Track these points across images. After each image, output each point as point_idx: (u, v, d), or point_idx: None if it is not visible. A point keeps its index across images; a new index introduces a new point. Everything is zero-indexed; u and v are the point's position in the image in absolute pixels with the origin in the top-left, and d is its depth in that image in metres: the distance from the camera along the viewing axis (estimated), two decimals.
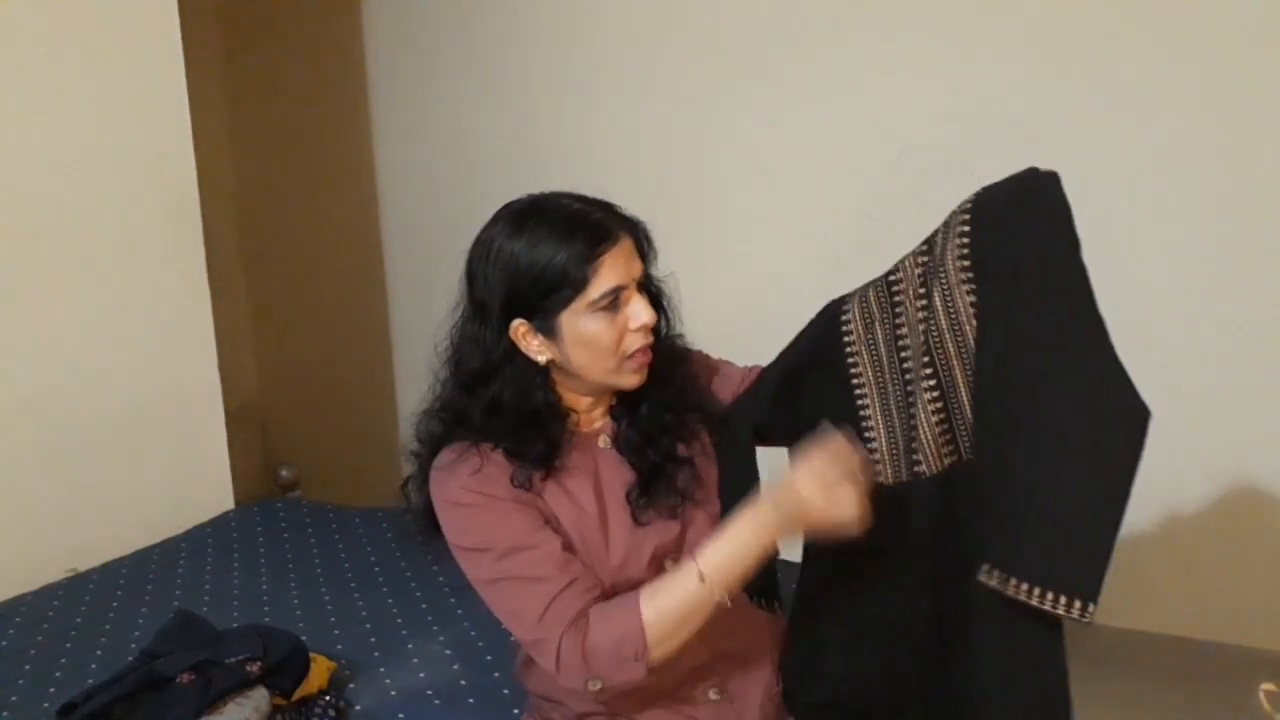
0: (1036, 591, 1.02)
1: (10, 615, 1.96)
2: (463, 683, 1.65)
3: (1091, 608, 0.99)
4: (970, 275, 1.13)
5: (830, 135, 2.48)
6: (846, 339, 1.23)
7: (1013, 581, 1.03)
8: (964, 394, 1.15)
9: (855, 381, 1.22)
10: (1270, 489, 2.17)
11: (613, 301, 1.15)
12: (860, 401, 1.22)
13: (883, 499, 1.12)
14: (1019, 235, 1.10)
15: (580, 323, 1.15)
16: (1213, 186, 2.12)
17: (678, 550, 1.24)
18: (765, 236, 2.61)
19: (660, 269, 1.27)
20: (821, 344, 1.26)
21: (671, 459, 1.25)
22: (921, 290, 1.17)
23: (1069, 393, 1.05)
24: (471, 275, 1.20)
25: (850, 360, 1.23)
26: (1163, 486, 2.15)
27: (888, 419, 1.20)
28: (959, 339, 1.14)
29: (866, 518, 1.06)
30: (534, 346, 1.19)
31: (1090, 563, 1.00)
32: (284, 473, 3.33)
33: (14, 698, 1.66)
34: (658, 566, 1.22)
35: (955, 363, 1.15)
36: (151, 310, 2.42)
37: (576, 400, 1.26)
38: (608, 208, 1.20)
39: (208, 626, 1.66)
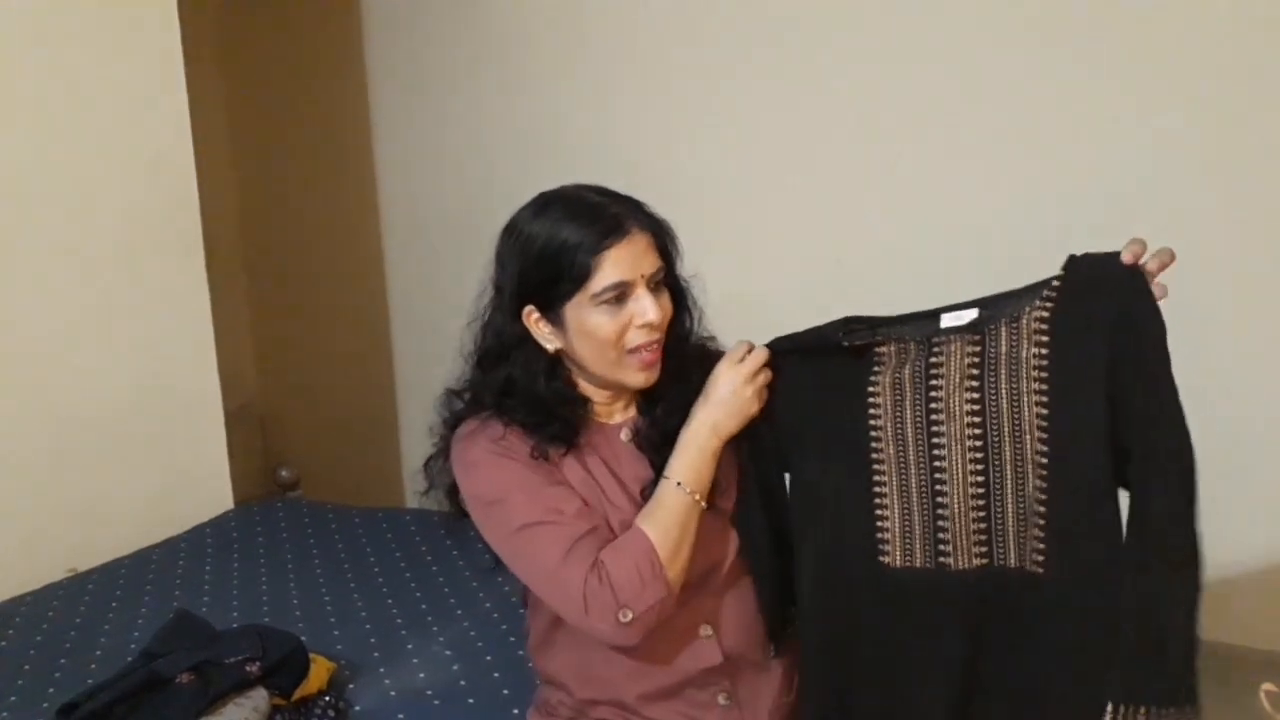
0: (1157, 712, 1.06)
1: (10, 615, 1.96)
2: (462, 683, 1.65)
3: (1197, 710, 1.05)
4: (1044, 387, 1.09)
5: (830, 136, 2.48)
6: (872, 411, 1.17)
7: (1142, 711, 1.06)
8: (1014, 501, 1.12)
9: (875, 459, 1.17)
10: (1269, 488, 2.17)
11: (617, 296, 1.15)
12: (877, 480, 1.17)
13: (889, 582, 1.16)
14: (1107, 351, 1.06)
15: (583, 314, 1.16)
16: (1217, 188, 2.12)
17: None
18: (764, 238, 2.61)
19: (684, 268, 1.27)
20: (845, 403, 1.18)
21: None
22: (974, 384, 1.12)
23: (1160, 518, 1.06)
24: (496, 256, 1.23)
25: (873, 434, 1.17)
26: None
27: (904, 502, 1.16)
28: (1019, 445, 1.10)
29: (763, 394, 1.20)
30: (544, 333, 1.21)
31: (1192, 672, 1.05)
32: (283, 473, 3.33)
33: (14, 698, 1.66)
34: None
35: (1010, 469, 1.11)
36: (151, 310, 2.42)
37: (594, 391, 1.26)
38: (629, 203, 1.20)
39: (207, 627, 1.66)
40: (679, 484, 1.16)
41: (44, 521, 2.22)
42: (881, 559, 1.17)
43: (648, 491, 1.22)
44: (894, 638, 1.18)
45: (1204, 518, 2.36)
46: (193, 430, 2.52)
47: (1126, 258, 1.06)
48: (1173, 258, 1.06)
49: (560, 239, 1.15)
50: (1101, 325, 1.06)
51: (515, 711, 1.50)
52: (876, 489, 1.17)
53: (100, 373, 2.32)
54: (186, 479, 2.50)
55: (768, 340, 1.22)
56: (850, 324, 1.17)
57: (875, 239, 2.45)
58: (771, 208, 2.60)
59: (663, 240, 1.21)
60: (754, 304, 2.32)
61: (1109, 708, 1.06)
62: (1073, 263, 1.10)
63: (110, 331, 2.34)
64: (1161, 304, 1.05)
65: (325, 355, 3.54)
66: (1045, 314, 1.09)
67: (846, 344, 1.17)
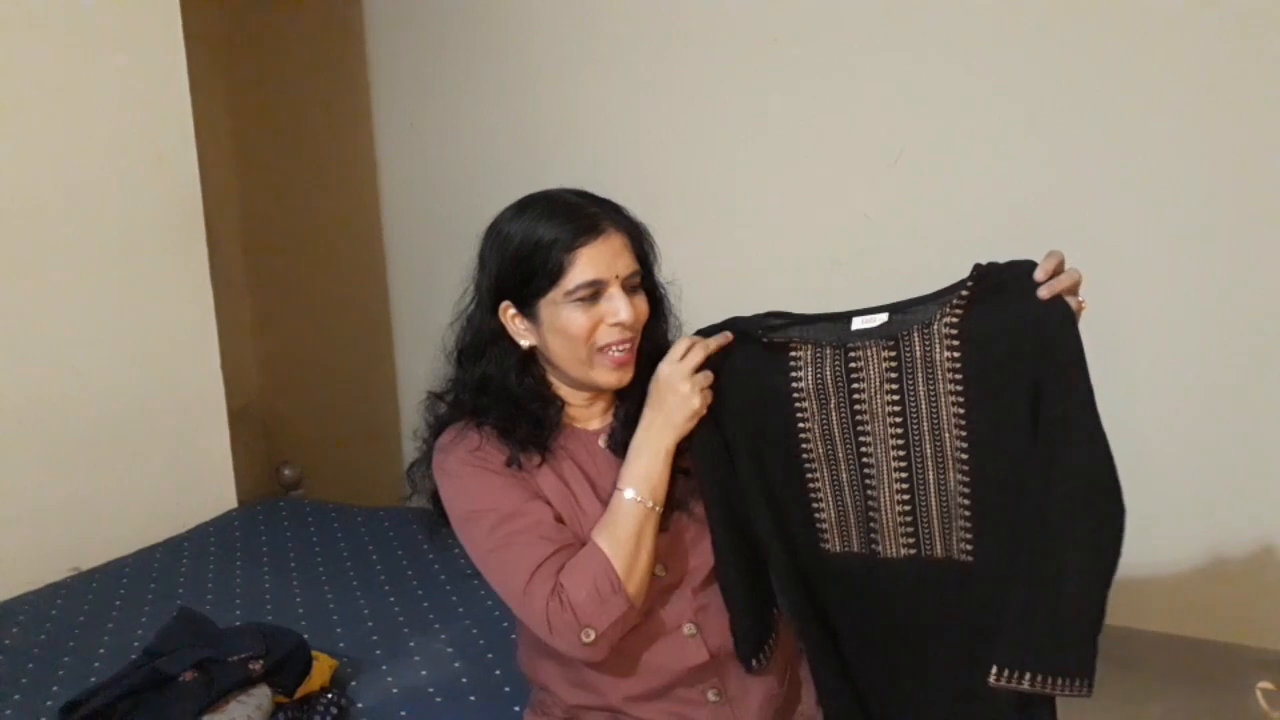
0: (1043, 680, 1.08)
1: (13, 614, 1.97)
2: (464, 680, 1.66)
3: (1090, 685, 1.08)
4: (959, 388, 1.14)
5: (829, 136, 2.49)
6: (799, 413, 1.21)
7: (1028, 676, 1.09)
8: (937, 495, 1.17)
9: (806, 455, 1.22)
10: (1269, 488, 2.17)
11: (591, 294, 1.17)
12: (810, 474, 1.23)
13: (833, 566, 1.24)
14: (1016, 355, 1.10)
15: (557, 311, 1.19)
16: (1214, 188, 2.12)
17: (666, 559, 1.23)
18: (764, 238, 2.62)
19: (662, 274, 1.28)
20: (772, 403, 1.23)
21: None
22: (894, 386, 1.17)
23: (1066, 499, 1.08)
24: (478, 255, 1.25)
25: (803, 434, 1.21)
26: (1161, 486, 2.15)
27: (837, 494, 1.22)
28: (939, 443, 1.15)
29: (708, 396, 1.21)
30: (519, 329, 1.23)
31: (1089, 648, 1.08)
32: (286, 472, 3.33)
33: (17, 696, 1.66)
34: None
35: (931, 465, 1.16)
36: (154, 310, 2.42)
37: (570, 393, 1.27)
38: (606, 205, 1.22)
39: (210, 625, 1.66)
40: (632, 493, 1.16)
41: (47, 520, 2.23)
42: (823, 545, 1.24)
43: None
44: (846, 616, 1.25)
45: (1203, 517, 2.37)
46: (196, 429, 2.53)
47: (1039, 275, 1.08)
48: (1079, 278, 1.08)
49: (536, 236, 1.18)
50: (1012, 331, 1.10)
51: (516, 709, 1.51)
52: (811, 483, 1.23)
53: (103, 372, 2.33)
54: (190, 478, 2.51)
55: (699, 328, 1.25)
56: (772, 318, 1.23)
57: (875, 240, 2.45)
58: (770, 210, 2.60)
59: (640, 243, 1.23)
60: (753, 305, 2.32)
61: (993, 670, 1.09)
62: (980, 270, 1.14)
63: (113, 331, 2.35)
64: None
65: (328, 355, 3.55)
66: (955, 319, 1.14)
67: (765, 339, 1.21)
